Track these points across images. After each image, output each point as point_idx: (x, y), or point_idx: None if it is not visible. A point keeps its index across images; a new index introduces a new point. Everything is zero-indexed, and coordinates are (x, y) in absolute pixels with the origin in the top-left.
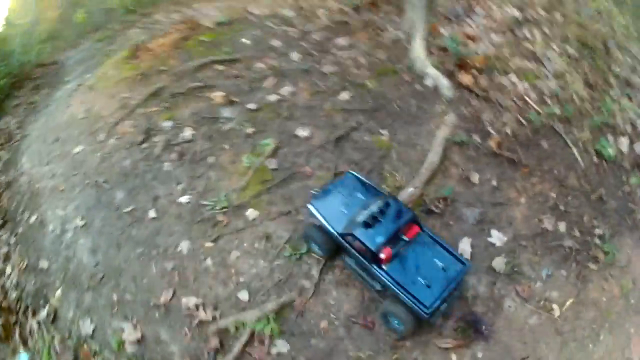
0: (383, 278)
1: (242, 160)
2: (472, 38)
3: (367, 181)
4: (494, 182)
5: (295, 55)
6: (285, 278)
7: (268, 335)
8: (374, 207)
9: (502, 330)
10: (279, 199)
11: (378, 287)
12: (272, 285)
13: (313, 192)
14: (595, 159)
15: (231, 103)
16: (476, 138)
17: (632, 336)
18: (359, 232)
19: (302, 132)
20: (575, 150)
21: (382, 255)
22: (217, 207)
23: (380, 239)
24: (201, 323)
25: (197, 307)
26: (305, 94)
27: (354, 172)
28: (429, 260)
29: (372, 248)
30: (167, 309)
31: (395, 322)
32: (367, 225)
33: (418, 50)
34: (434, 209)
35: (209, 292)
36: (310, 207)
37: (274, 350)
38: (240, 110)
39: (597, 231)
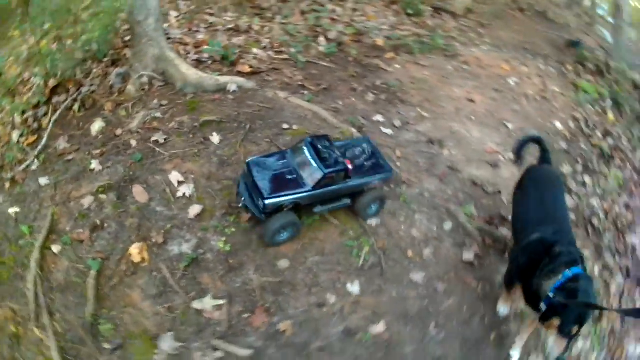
0: (356, 183)
1: None
2: (200, 44)
3: (264, 156)
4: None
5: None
6: None
7: None
8: (307, 153)
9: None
10: None
11: (348, 201)
12: None
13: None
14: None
15: None
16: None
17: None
18: (328, 169)
19: None
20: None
21: (350, 166)
22: None
23: (340, 159)
24: None
25: None
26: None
27: (249, 160)
28: (353, 152)
29: (345, 167)
30: None
31: (374, 208)
32: (322, 159)
33: (192, 73)
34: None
35: None
36: (268, 202)
37: None
38: None
39: (377, 82)
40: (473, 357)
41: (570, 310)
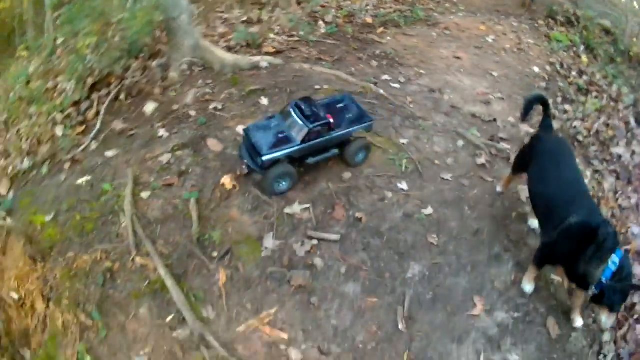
0: (340, 134)
1: None
2: (224, 35)
3: (258, 122)
4: (364, 57)
5: None
6: None
7: None
8: (294, 113)
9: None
10: None
11: (336, 151)
12: None
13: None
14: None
15: None
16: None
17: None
18: (312, 124)
19: None
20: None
21: (332, 120)
22: None
23: (322, 113)
24: None
25: None
26: None
27: (246, 127)
28: (335, 107)
29: (328, 120)
30: None
31: (361, 155)
32: (306, 117)
33: (227, 55)
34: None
35: None
36: (265, 158)
37: None
38: None
39: (376, 52)
40: (502, 228)
41: (619, 294)
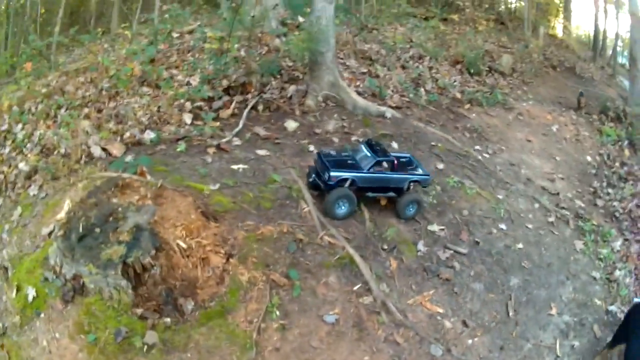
0: (401, 176)
1: None
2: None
3: (331, 150)
4: (459, 127)
5: None
6: None
7: None
8: (364, 148)
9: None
10: None
11: (393, 194)
12: None
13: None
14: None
15: None
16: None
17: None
18: (379, 157)
19: None
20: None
21: (396, 161)
22: None
23: (389, 154)
24: None
25: None
26: None
27: (319, 151)
28: (400, 159)
29: (392, 159)
30: None
31: (412, 209)
32: (375, 152)
33: (360, 99)
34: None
35: None
36: (333, 174)
37: None
38: None
39: (467, 125)
40: (565, 265)
41: None
